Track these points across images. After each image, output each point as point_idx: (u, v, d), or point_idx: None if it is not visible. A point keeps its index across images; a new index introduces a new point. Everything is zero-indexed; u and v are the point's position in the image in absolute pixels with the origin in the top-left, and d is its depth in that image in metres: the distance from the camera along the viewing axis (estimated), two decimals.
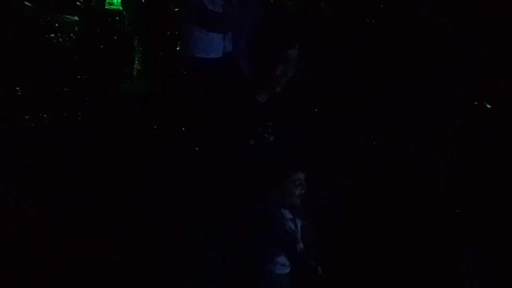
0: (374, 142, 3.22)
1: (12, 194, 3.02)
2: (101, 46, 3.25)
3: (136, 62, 3.24)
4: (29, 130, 3.13)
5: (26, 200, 3.04)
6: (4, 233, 2.98)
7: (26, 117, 3.15)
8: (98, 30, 3.23)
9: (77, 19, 3.23)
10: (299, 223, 2.88)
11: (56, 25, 3.18)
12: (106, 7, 3.28)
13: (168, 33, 3.27)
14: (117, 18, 3.28)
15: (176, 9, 3.25)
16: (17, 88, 3.17)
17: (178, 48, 3.26)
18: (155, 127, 3.29)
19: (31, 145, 3.10)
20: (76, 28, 3.23)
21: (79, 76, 3.23)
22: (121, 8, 3.23)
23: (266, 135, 3.09)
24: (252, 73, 3.13)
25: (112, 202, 3.15)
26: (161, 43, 3.29)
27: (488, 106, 3.09)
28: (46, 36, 3.15)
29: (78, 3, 3.23)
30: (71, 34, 3.21)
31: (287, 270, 2.87)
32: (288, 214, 2.86)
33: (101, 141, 3.19)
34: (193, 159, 3.22)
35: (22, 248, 2.99)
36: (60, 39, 3.20)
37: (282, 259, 2.87)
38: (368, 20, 3.24)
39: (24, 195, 3.04)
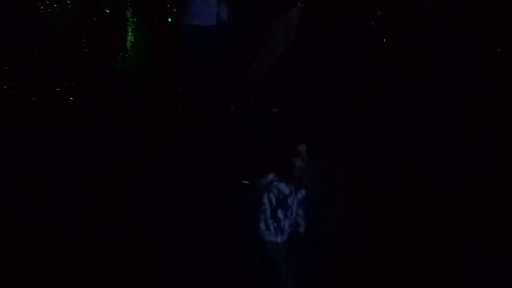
0: (374, 142, 3.22)
1: (12, 194, 3.02)
2: (94, 19, 3.23)
3: (130, 34, 3.21)
4: (29, 130, 3.12)
5: (26, 200, 3.03)
6: (4, 233, 2.97)
7: (26, 117, 3.14)
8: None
9: None
10: (297, 195, 2.93)
11: None
12: None
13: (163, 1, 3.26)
14: None
15: None
16: (17, 88, 3.16)
17: (173, 19, 3.26)
18: (155, 127, 3.28)
19: (31, 145, 3.09)
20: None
21: (77, 66, 3.21)
22: None
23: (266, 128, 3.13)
24: (249, 37, 3.16)
25: (112, 202, 3.15)
26: (155, 14, 3.28)
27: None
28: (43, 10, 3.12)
29: None
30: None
31: (281, 238, 2.92)
32: (286, 188, 2.92)
33: (101, 141, 3.19)
34: (193, 159, 3.22)
35: (22, 248, 2.99)
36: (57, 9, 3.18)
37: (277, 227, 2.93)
38: (368, 20, 3.24)
39: (24, 195, 3.04)
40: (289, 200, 2.94)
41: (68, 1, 3.19)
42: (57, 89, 3.19)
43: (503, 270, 2.98)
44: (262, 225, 2.94)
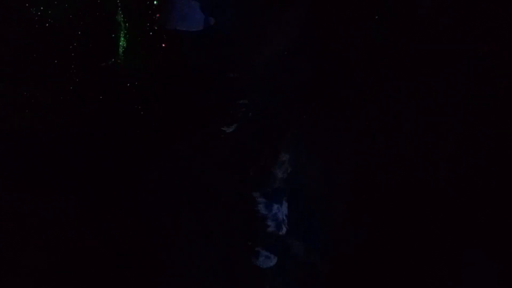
0: (374, 142, 3.22)
1: (12, 194, 3.02)
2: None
3: (122, 38, 3.23)
4: (29, 130, 3.13)
5: (26, 200, 3.04)
6: (4, 233, 2.98)
7: (26, 117, 3.14)
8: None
9: None
10: (285, 209, 2.94)
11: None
12: None
13: (148, 6, 3.27)
14: None
15: None
16: (18, 88, 3.16)
17: (155, 23, 3.28)
18: (155, 127, 3.28)
19: (31, 145, 3.10)
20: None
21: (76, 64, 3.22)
22: None
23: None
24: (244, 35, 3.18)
25: (113, 202, 3.15)
26: (141, 18, 3.29)
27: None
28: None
29: None
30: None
31: (272, 263, 2.93)
32: (275, 204, 2.93)
33: (101, 141, 3.19)
34: (193, 159, 3.22)
35: (22, 248, 2.99)
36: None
37: (266, 251, 2.94)
38: (368, 20, 3.24)
39: (24, 195, 3.04)
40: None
41: (69, 2, 3.20)
42: (57, 89, 3.20)
43: (503, 270, 2.98)
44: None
